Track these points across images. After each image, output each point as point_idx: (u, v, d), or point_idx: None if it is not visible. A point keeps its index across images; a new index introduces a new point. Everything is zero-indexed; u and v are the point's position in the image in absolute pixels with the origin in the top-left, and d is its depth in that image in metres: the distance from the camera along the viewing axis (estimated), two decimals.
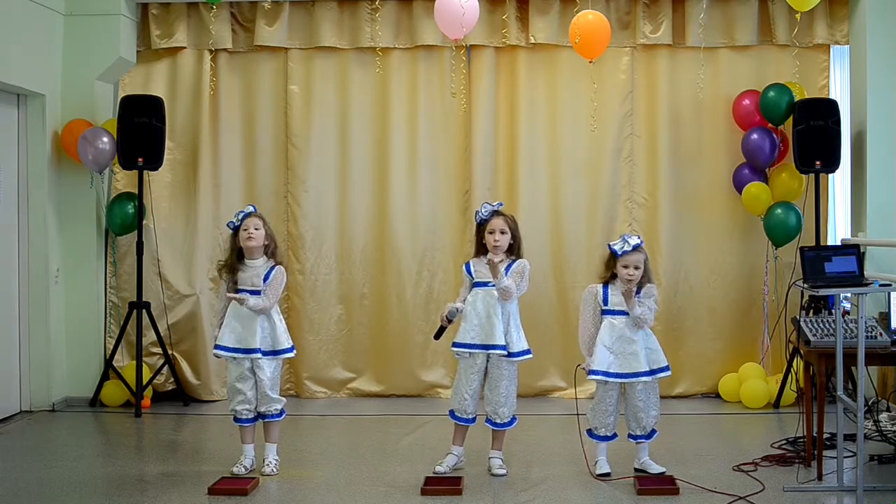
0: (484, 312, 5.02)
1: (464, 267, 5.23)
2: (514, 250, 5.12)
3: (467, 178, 7.26)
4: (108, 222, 7.08)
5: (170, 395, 7.13)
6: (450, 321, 5.11)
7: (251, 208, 5.20)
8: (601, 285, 5.05)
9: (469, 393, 5.07)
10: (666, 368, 5.00)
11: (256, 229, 5.07)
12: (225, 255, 5.22)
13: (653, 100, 7.22)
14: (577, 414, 5.30)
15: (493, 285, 5.01)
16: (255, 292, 5.02)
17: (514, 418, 5.16)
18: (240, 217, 5.11)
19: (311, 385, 7.28)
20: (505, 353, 5.01)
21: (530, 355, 5.13)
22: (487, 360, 5.07)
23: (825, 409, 4.92)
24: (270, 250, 5.14)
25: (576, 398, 5.63)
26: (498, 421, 5.10)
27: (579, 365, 5.10)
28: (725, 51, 7.16)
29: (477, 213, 5.20)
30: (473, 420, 5.13)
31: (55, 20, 6.91)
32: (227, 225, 5.19)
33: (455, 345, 5.08)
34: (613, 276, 5.02)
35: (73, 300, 7.01)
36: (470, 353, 5.04)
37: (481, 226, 5.13)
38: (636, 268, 4.93)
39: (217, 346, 5.07)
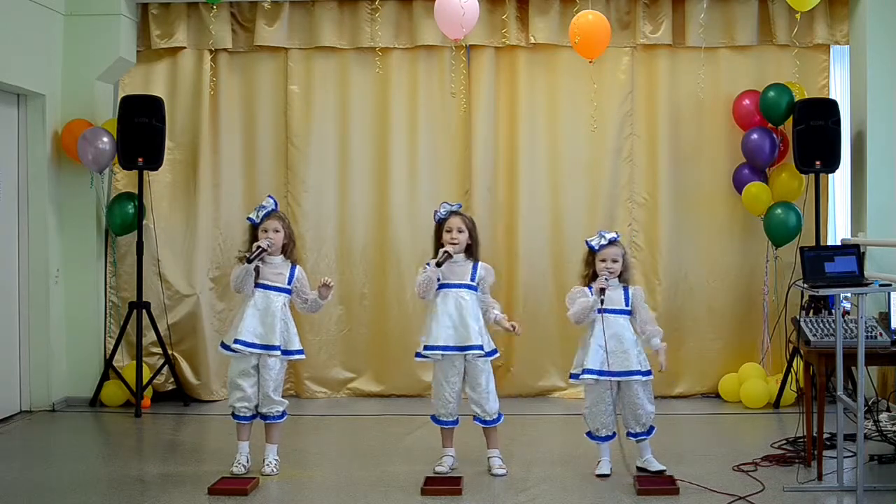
0: (457, 314, 5.00)
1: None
2: (472, 251, 5.11)
3: (467, 178, 7.26)
4: (108, 222, 7.08)
5: (170, 395, 7.13)
6: (439, 265, 4.98)
7: (271, 202, 5.11)
8: (587, 287, 5.05)
9: (453, 396, 5.05)
10: (650, 372, 5.01)
11: (276, 231, 5.06)
12: (244, 246, 5.18)
13: (653, 100, 7.22)
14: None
15: (462, 286, 5.01)
16: (277, 288, 5.05)
17: (500, 414, 5.14)
18: (260, 214, 5.07)
19: (311, 385, 7.29)
20: (482, 352, 5.01)
21: (498, 353, 5.19)
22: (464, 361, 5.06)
23: (825, 409, 4.91)
24: (289, 249, 5.15)
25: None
26: (487, 418, 5.08)
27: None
28: (725, 51, 7.16)
29: (435, 212, 5.18)
30: (458, 421, 5.13)
31: (55, 20, 6.91)
32: (248, 219, 5.15)
33: (428, 348, 5.00)
34: (595, 276, 5.03)
35: (73, 300, 7.01)
36: (443, 354, 4.99)
37: (440, 225, 5.12)
38: (614, 261, 4.98)
39: (237, 341, 4.98)
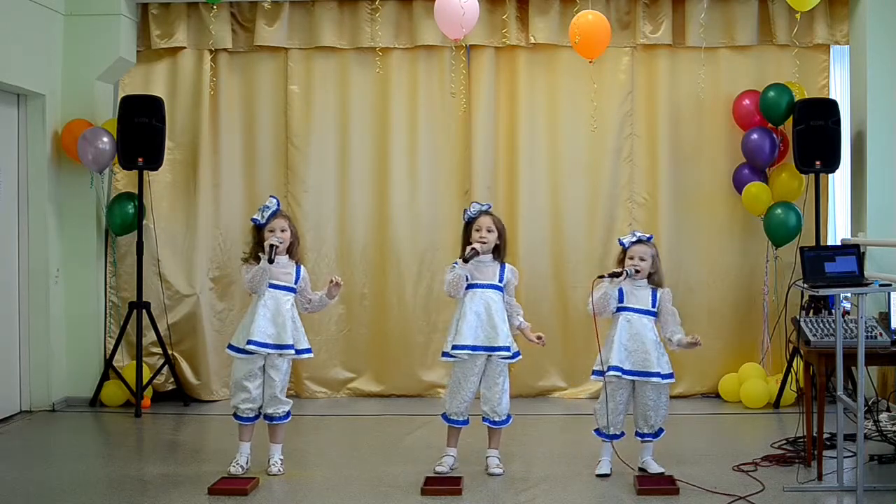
0: (485, 314, 5.00)
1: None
2: (499, 252, 5.11)
3: (467, 178, 7.26)
4: (108, 222, 7.08)
5: (170, 395, 7.13)
6: (466, 261, 5.00)
7: (274, 202, 5.09)
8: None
9: (470, 396, 5.06)
10: (671, 375, 5.01)
11: (283, 231, 5.05)
12: (248, 247, 5.16)
13: (653, 100, 7.22)
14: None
15: (490, 287, 5.01)
16: (285, 287, 5.06)
17: (509, 416, 5.15)
18: (265, 215, 5.05)
19: (311, 385, 7.29)
20: (509, 353, 5.02)
21: (521, 356, 5.16)
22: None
23: (825, 409, 4.91)
24: (294, 249, 5.15)
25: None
26: (497, 419, 5.09)
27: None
28: (725, 51, 7.16)
29: (465, 211, 5.19)
30: (468, 421, 5.13)
31: (55, 20, 6.91)
32: (252, 220, 5.11)
33: (456, 347, 4.98)
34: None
35: (73, 300, 7.01)
36: (469, 354, 4.98)
37: (469, 224, 5.12)
38: (641, 259, 4.99)
39: (250, 342, 4.95)
